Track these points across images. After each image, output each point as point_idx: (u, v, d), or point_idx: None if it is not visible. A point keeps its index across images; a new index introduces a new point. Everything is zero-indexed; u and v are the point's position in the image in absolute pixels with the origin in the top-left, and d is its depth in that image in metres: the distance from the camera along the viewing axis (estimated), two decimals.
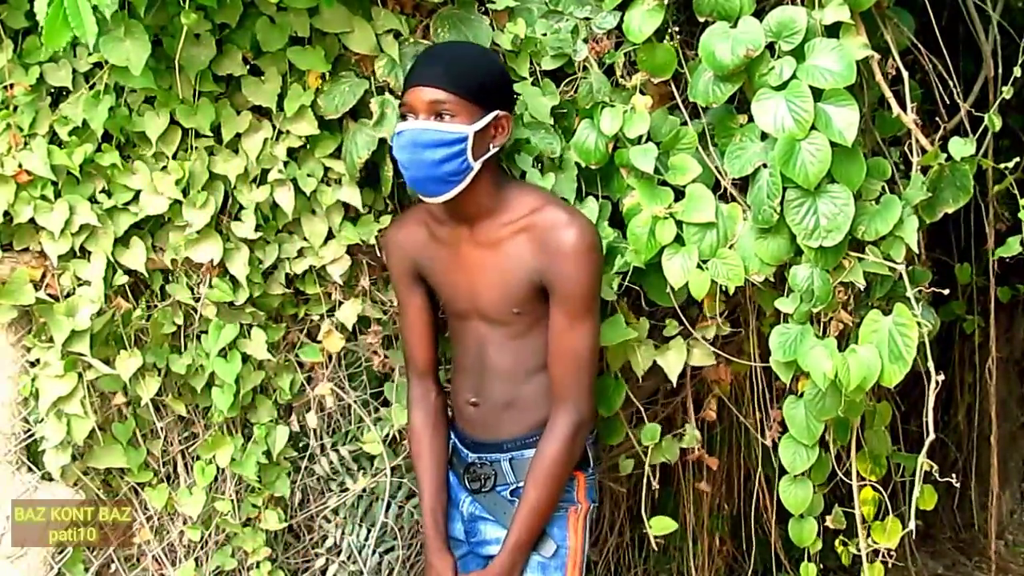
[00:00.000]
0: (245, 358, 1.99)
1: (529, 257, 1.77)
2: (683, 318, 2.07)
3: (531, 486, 1.81)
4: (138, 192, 1.90)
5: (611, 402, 2.14)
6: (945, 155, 1.95)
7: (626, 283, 2.02)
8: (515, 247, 1.78)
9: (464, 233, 1.82)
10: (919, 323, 1.81)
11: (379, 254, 2.05)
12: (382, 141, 1.92)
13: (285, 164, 1.96)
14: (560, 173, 1.99)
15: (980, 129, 2.03)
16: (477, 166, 1.73)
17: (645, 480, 2.24)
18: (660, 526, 2.23)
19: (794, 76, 1.82)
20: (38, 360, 1.89)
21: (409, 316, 1.96)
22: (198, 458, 2.04)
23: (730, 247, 1.92)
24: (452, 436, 2.00)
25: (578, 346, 1.78)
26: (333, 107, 1.92)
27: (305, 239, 2.02)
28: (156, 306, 1.98)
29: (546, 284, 1.77)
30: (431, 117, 1.70)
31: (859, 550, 2.13)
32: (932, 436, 1.91)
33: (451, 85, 1.70)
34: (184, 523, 2.06)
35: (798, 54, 1.83)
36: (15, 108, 1.86)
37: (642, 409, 2.23)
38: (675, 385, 2.18)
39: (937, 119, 2.06)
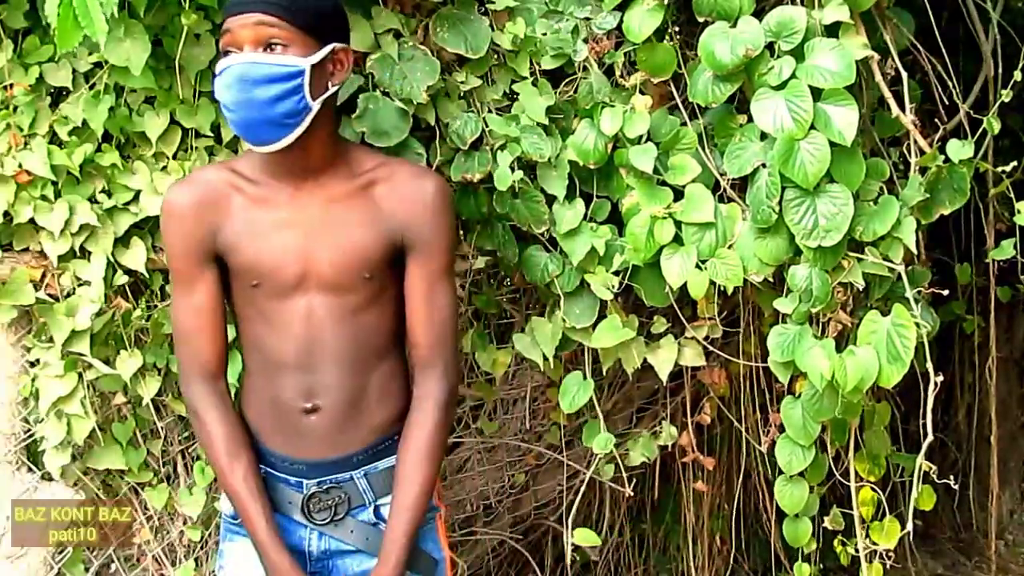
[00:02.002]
0: None
1: (386, 210, 1.59)
2: (680, 316, 2.07)
3: (418, 464, 1.59)
4: (138, 192, 1.90)
5: (575, 399, 2.05)
6: (943, 157, 1.95)
7: (625, 282, 2.01)
8: (367, 200, 1.59)
9: (299, 192, 1.58)
10: (918, 324, 1.81)
11: None
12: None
13: None
14: (553, 172, 1.99)
15: (979, 131, 2.03)
16: (316, 106, 1.52)
17: (573, 487, 2.22)
18: (582, 537, 2.20)
19: (793, 76, 1.82)
20: (38, 360, 1.90)
21: (199, 301, 1.61)
22: (198, 458, 2.05)
23: (729, 247, 1.92)
24: (263, 469, 1.65)
25: (445, 306, 1.63)
26: None
27: None
28: (156, 306, 1.98)
29: (406, 241, 1.60)
30: (259, 49, 1.48)
31: (858, 551, 2.14)
32: (931, 437, 1.91)
33: (282, 11, 1.47)
34: (184, 523, 2.06)
35: (797, 54, 1.83)
36: (15, 108, 1.87)
37: (609, 412, 2.20)
38: (673, 385, 2.18)
39: (936, 120, 2.06)
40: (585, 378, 2.06)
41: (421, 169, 1.68)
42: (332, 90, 1.56)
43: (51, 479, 1.94)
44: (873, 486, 2.15)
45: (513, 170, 1.93)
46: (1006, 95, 2.06)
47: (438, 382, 1.63)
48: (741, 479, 2.77)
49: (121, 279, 1.91)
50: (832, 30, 1.85)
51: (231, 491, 1.61)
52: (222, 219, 1.59)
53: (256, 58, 1.47)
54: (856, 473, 2.13)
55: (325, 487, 1.64)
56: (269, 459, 1.66)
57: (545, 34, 2.00)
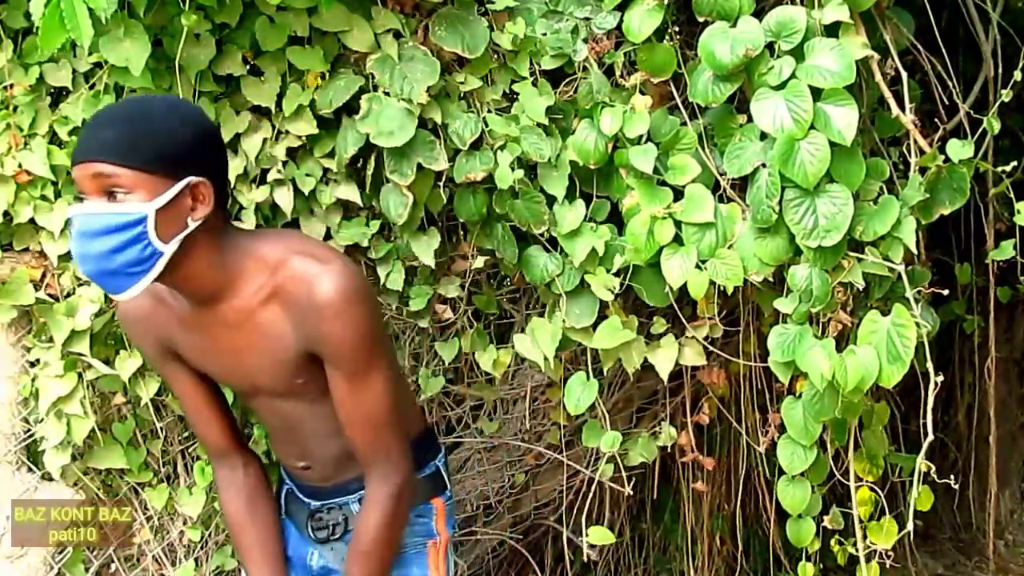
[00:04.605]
0: None
1: (290, 327, 1.50)
2: (680, 316, 2.07)
3: (355, 562, 1.59)
4: None
5: (580, 400, 2.05)
6: (943, 157, 1.95)
7: (626, 283, 2.01)
8: (270, 320, 1.51)
9: (208, 315, 1.53)
10: (918, 324, 1.81)
11: (373, 255, 2.04)
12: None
13: (284, 164, 1.96)
14: (553, 172, 1.99)
15: (979, 131, 2.04)
16: (169, 249, 1.41)
17: (579, 484, 2.23)
18: (597, 536, 2.21)
19: (793, 76, 1.82)
20: (38, 360, 1.90)
21: (181, 394, 1.69)
22: (198, 458, 2.05)
23: (729, 247, 1.92)
24: (285, 481, 1.78)
25: (371, 408, 1.53)
26: (327, 102, 1.92)
27: None
28: None
29: (315, 350, 1.51)
30: (103, 196, 1.38)
31: (857, 550, 2.14)
32: (931, 437, 1.91)
33: (119, 156, 1.37)
34: (184, 523, 2.06)
35: (797, 54, 1.83)
36: (15, 108, 1.87)
37: (609, 413, 2.19)
38: (673, 385, 2.18)
39: (936, 120, 2.06)
40: (589, 378, 2.07)
41: (314, 269, 1.47)
42: (192, 226, 1.43)
43: (51, 479, 1.94)
44: (872, 486, 2.15)
45: (513, 170, 1.93)
46: (1006, 95, 2.06)
47: (381, 486, 1.58)
48: (741, 479, 2.77)
49: None
50: (832, 30, 1.85)
51: (245, 567, 1.74)
52: (164, 330, 1.62)
53: (92, 208, 1.38)
54: (855, 472, 2.13)
55: (327, 508, 1.73)
56: (289, 477, 1.78)
57: (545, 34, 2.00)
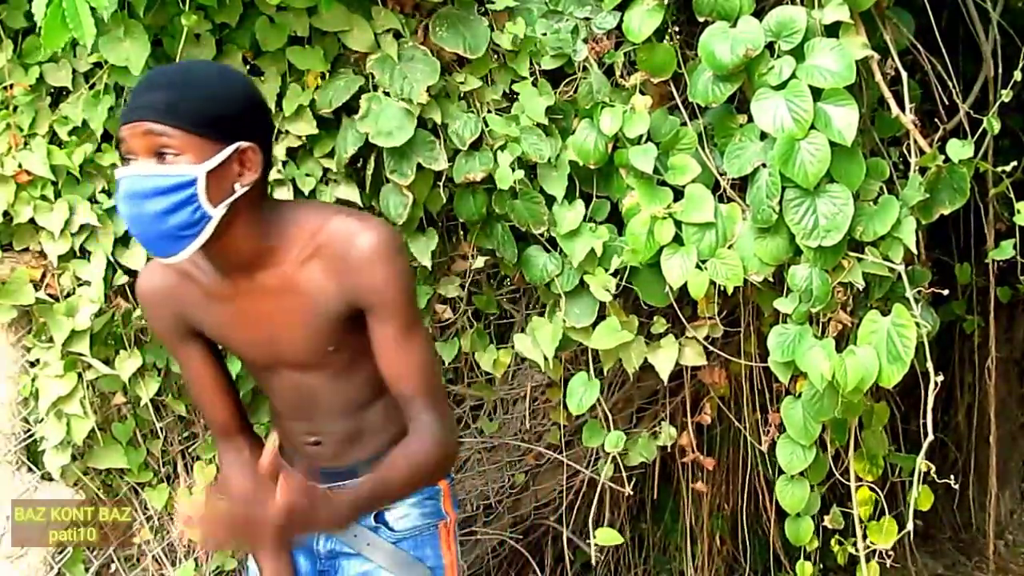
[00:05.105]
0: None
1: (332, 283, 1.48)
2: (681, 316, 2.07)
3: (393, 464, 1.47)
4: None
5: (582, 400, 2.06)
6: (943, 157, 1.95)
7: (623, 283, 2.01)
8: (311, 279, 1.49)
9: (243, 284, 1.51)
10: (918, 324, 1.81)
11: None
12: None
13: (284, 164, 1.96)
14: (553, 172, 1.99)
15: (979, 131, 2.04)
16: (218, 214, 1.40)
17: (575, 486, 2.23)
18: (605, 537, 2.20)
19: (793, 76, 1.82)
20: (38, 360, 1.90)
21: (193, 374, 1.67)
22: (198, 458, 2.05)
23: (729, 247, 1.93)
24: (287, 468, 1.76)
25: (420, 359, 1.51)
26: (327, 102, 1.92)
27: None
28: None
29: (360, 304, 1.49)
30: (152, 158, 1.37)
31: (857, 550, 2.14)
32: (931, 437, 1.91)
33: (171, 116, 1.36)
34: None
35: (798, 54, 1.83)
36: (15, 108, 1.87)
37: (609, 412, 2.18)
38: (673, 385, 2.18)
39: (936, 120, 2.06)
40: (590, 378, 2.07)
41: (357, 225, 1.48)
42: (239, 192, 1.41)
43: (51, 479, 1.94)
44: (872, 486, 2.15)
45: (513, 170, 1.93)
46: (1006, 95, 2.07)
47: (427, 430, 1.50)
48: (741, 479, 2.77)
49: (121, 279, 1.91)
50: (832, 30, 1.85)
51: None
52: (186, 307, 1.58)
53: (144, 170, 1.37)
54: (855, 473, 2.13)
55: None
56: (294, 464, 1.70)
57: (545, 34, 2.00)
